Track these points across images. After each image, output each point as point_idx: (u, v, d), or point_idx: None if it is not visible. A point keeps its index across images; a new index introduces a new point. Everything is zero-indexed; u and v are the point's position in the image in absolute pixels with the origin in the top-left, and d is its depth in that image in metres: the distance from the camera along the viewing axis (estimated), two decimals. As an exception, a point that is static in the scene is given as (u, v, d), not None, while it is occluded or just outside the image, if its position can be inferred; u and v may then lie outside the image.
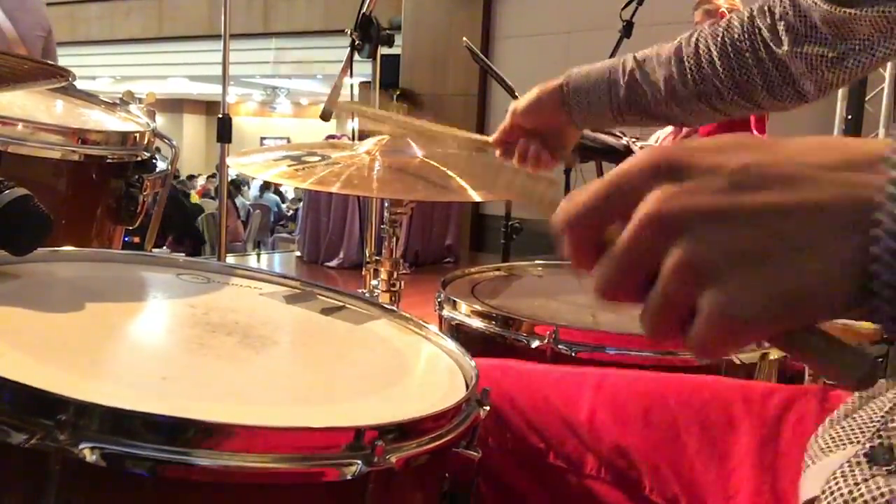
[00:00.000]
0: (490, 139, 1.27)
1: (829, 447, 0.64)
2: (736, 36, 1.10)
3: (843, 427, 0.65)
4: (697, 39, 1.13)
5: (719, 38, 1.11)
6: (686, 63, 1.13)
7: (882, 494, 0.56)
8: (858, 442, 0.62)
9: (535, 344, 1.19)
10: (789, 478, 0.74)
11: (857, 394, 0.70)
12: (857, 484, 0.58)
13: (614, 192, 0.46)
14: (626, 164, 0.47)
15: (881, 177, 0.42)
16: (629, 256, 0.45)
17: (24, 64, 1.14)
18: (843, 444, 0.63)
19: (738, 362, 1.18)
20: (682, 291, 0.44)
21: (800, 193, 0.43)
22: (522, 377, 0.91)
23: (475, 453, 0.73)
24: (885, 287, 0.41)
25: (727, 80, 1.10)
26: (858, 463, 0.59)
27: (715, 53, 1.11)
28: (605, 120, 1.23)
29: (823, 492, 0.60)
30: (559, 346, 1.18)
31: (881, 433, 0.60)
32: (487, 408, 0.76)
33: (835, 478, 0.60)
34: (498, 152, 1.27)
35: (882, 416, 0.62)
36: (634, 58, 1.18)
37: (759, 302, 0.42)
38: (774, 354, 1.25)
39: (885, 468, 0.58)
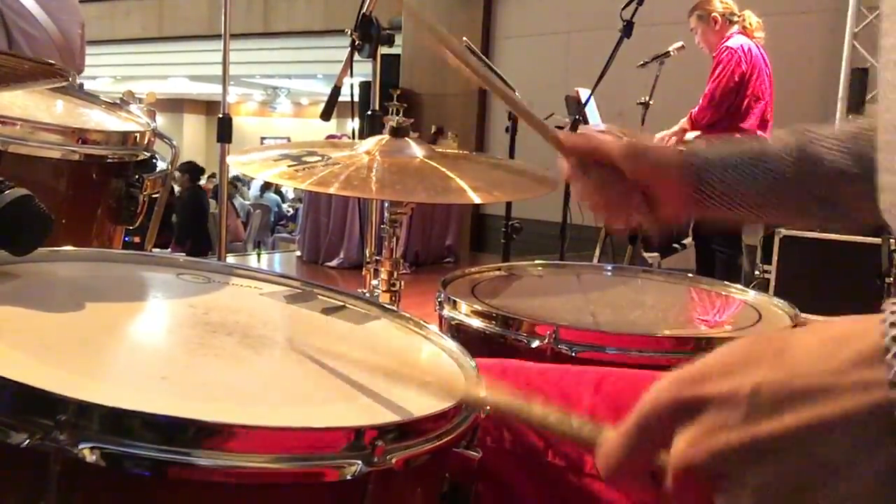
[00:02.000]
0: (561, 138, 1.05)
1: None
2: None
3: None
4: None
5: None
6: None
7: None
8: None
9: (535, 344, 1.19)
10: None
11: None
12: None
13: (642, 442, 0.48)
14: (645, 408, 0.47)
15: (888, 370, 0.40)
16: (680, 492, 0.46)
17: (24, 64, 1.14)
18: None
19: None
20: None
21: (817, 409, 0.41)
22: (521, 376, 0.91)
23: (475, 453, 0.73)
24: None
25: None
26: None
27: None
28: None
29: None
30: (559, 346, 1.17)
31: None
32: (488, 408, 0.76)
33: None
34: (566, 164, 1.05)
35: None
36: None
37: None
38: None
39: None
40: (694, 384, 0.45)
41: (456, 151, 1.67)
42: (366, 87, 5.23)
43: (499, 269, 1.64)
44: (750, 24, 4.31)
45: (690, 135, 4.29)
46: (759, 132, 4.23)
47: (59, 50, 2.42)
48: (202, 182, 13.02)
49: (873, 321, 0.42)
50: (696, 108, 4.29)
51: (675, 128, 4.41)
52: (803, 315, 1.38)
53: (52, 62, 1.40)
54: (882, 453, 0.40)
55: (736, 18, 4.29)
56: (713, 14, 4.27)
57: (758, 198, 0.98)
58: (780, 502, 0.42)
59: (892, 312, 0.41)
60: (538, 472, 0.87)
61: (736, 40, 4.20)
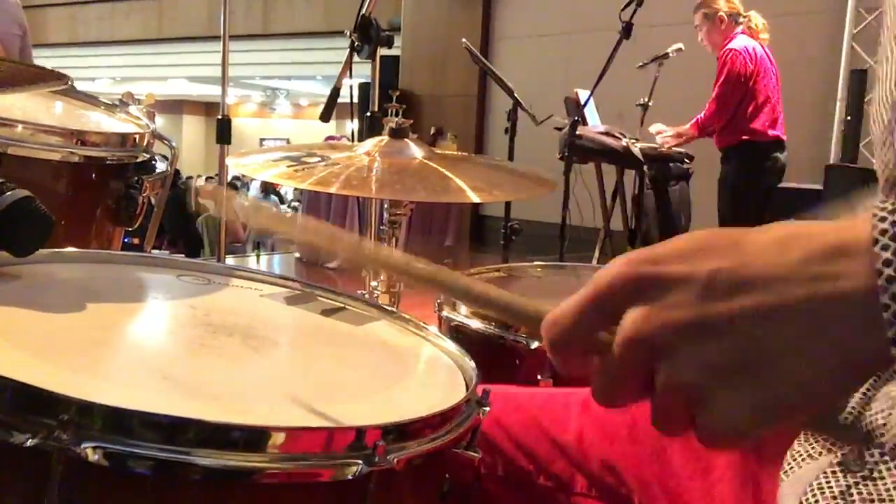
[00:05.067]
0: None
1: (801, 457, 0.64)
2: None
3: (816, 437, 0.65)
4: None
5: None
6: None
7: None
8: (829, 450, 0.62)
9: (534, 345, 1.19)
10: (771, 489, 0.74)
11: None
12: (833, 497, 0.58)
13: (592, 313, 0.48)
14: (600, 281, 0.48)
15: (858, 263, 0.42)
16: (619, 373, 0.48)
17: (22, 68, 1.15)
18: (818, 453, 0.63)
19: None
20: (677, 407, 0.46)
21: (769, 296, 0.44)
22: (510, 400, 0.91)
23: (475, 454, 0.73)
24: None
25: None
26: (833, 473, 0.60)
27: None
28: None
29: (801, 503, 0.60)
30: (559, 347, 1.18)
31: None
32: (487, 409, 0.76)
33: (811, 489, 0.60)
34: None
35: (852, 422, 0.62)
36: None
37: (745, 416, 0.44)
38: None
39: (859, 475, 0.58)
40: (651, 264, 0.47)
41: (455, 153, 1.67)
42: (365, 88, 5.24)
43: (498, 270, 1.65)
44: (756, 25, 4.31)
45: None
46: (770, 131, 4.23)
47: None
48: (201, 183, 12.98)
49: (825, 223, 0.45)
50: (703, 114, 4.26)
51: (673, 131, 4.40)
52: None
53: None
54: (823, 348, 0.43)
55: (741, 19, 4.28)
56: (720, 13, 4.26)
57: None
58: (720, 379, 0.44)
59: (881, 209, 0.43)
60: (530, 496, 0.87)
61: (739, 41, 4.20)
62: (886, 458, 0.57)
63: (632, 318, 0.46)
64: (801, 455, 0.65)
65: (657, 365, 0.46)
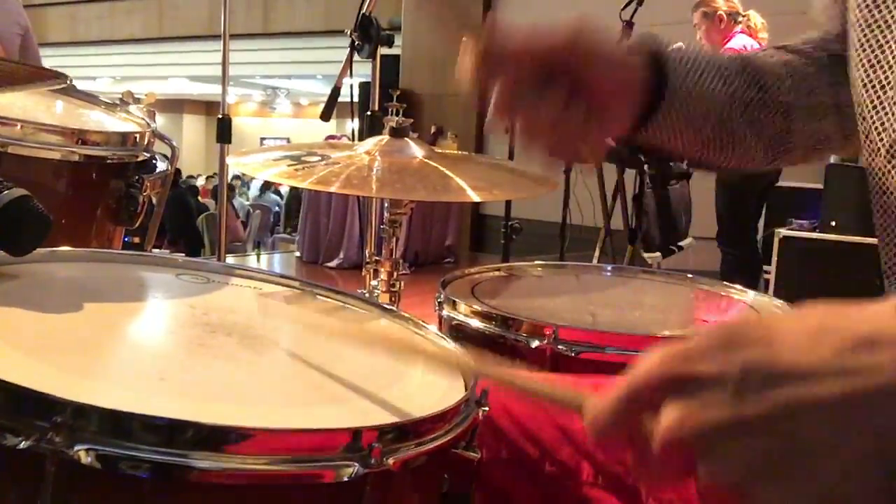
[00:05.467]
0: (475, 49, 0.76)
1: None
2: None
3: None
4: None
5: None
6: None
7: None
8: None
9: (534, 344, 1.19)
10: None
11: None
12: None
13: (629, 408, 0.49)
14: (637, 379, 0.49)
15: (892, 353, 0.42)
16: (658, 466, 0.49)
17: (21, 68, 1.14)
18: None
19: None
20: (721, 494, 0.47)
21: (803, 391, 0.44)
22: None
23: (474, 454, 0.73)
24: None
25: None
26: None
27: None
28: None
29: None
30: (559, 346, 1.17)
31: None
32: (487, 408, 0.76)
33: None
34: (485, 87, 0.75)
35: None
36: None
37: None
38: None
39: None
40: (685, 361, 0.47)
41: (455, 152, 1.67)
42: (365, 87, 5.23)
43: (498, 269, 1.64)
44: (755, 24, 4.30)
45: None
46: None
47: None
48: (202, 182, 13.02)
49: (857, 311, 0.45)
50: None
51: None
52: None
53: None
54: (861, 441, 0.43)
55: (740, 18, 4.28)
56: (719, 12, 4.26)
57: (732, 114, 0.84)
58: (759, 475, 0.44)
59: None
60: (535, 481, 0.87)
61: (738, 40, 4.19)
62: None
63: (669, 419, 0.47)
64: None
65: (696, 459, 0.46)
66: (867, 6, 0.74)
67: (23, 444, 0.54)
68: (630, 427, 0.50)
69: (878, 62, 0.74)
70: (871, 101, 0.75)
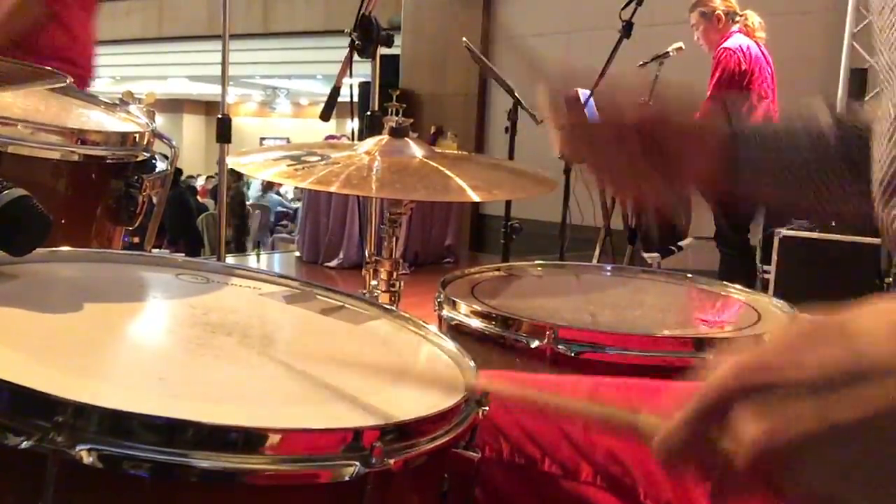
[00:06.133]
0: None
1: None
2: None
3: None
4: None
5: None
6: None
7: None
8: None
9: (534, 344, 1.19)
10: None
11: None
12: None
13: (705, 426, 0.47)
14: (710, 394, 0.46)
15: None
16: (743, 484, 0.46)
17: (21, 68, 1.14)
18: None
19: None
20: None
21: (888, 389, 0.41)
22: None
23: (475, 454, 0.73)
24: None
25: None
26: None
27: None
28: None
29: None
30: (559, 346, 1.17)
31: None
32: (487, 408, 0.76)
33: None
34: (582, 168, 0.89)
35: None
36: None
37: None
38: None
39: None
40: (761, 369, 0.45)
41: (455, 152, 1.67)
42: (365, 87, 5.24)
43: (498, 269, 1.64)
44: (752, 23, 4.31)
45: None
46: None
47: None
48: (202, 182, 13.02)
49: None
50: (699, 113, 4.26)
51: None
52: (803, 315, 1.38)
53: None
54: None
55: (738, 18, 4.28)
56: (717, 12, 4.26)
57: (800, 170, 0.83)
58: (853, 482, 0.42)
59: None
60: (535, 481, 0.87)
61: (735, 40, 4.20)
62: None
63: (755, 432, 0.44)
64: None
65: (782, 471, 0.44)
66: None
67: (24, 444, 0.54)
68: (704, 446, 0.47)
69: None
70: None
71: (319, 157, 1.40)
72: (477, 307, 1.29)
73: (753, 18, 4.32)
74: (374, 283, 1.56)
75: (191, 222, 8.88)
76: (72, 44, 2.38)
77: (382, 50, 2.44)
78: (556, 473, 0.86)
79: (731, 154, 0.85)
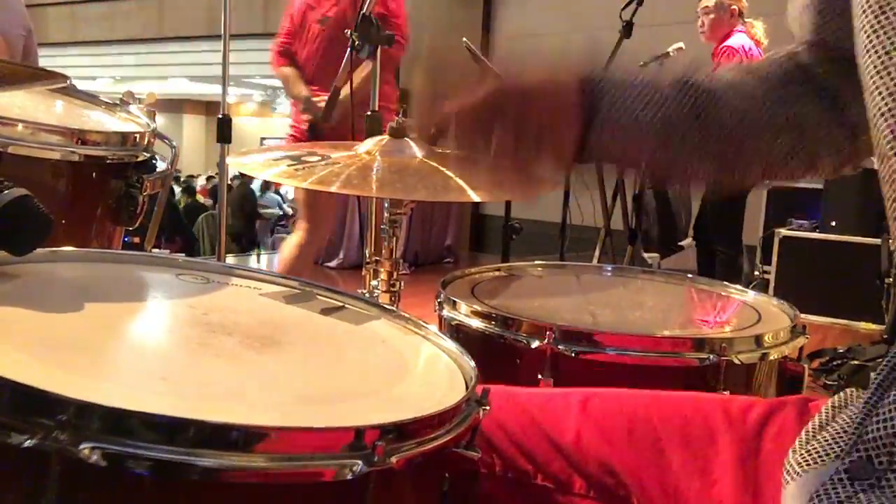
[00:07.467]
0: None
1: (807, 462, 0.64)
2: None
3: (818, 441, 0.65)
4: None
5: None
6: None
7: None
8: (837, 456, 0.62)
9: (534, 344, 1.19)
10: (770, 490, 0.74)
11: (830, 404, 0.70)
12: (840, 502, 0.58)
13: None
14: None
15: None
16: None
17: (20, 68, 1.15)
18: (822, 459, 0.63)
19: (737, 362, 1.18)
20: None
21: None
22: (509, 400, 0.90)
23: (475, 453, 0.73)
24: None
25: None
26: (840, 480, 0.59)
27: None
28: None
29: None
30: (559, 347, 1.18)
31: (858, 446, 0.60)
32: (487, 408, 0.76)
33: (818, 495, 0.60)
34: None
35: (856, 428, 0.61)
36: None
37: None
38: (774, 355, 1.25)
39: (866, 482, 0.58)
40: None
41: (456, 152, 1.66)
42: (365, 87, 5.23)
43: (498, 269, 1.65)
44: (757, 32, 4.31)
45: None
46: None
47: None
48: (202, 182, 13.03)
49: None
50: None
51: None
52: (803, 315, 1.39)
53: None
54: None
55: (746, 19, 4.30)
56: (733, 6, 4.26)
57: (668, 129, 0.81)
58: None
59: None
60: (528, 496, 0.87)
61: (738, 39, 4.20)
62: (895, 465, 0.57)
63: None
64: (804, 459, 0.64)
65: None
66: (873, 11, 0.73)
67: (28, 443, 0.54)
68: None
69: (886, 67, 0.72)
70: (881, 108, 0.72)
71: (319, 158, 1.40)
72: (477, 307, 1.30)
73: (759, 28, 4.32)
74: (374, 283, 1.56)
75: (179, 219, 8.90)
76: (391, 92, 3.43)
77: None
78: (549, 487, 0.86)
79: (592, 118, 0.82)
